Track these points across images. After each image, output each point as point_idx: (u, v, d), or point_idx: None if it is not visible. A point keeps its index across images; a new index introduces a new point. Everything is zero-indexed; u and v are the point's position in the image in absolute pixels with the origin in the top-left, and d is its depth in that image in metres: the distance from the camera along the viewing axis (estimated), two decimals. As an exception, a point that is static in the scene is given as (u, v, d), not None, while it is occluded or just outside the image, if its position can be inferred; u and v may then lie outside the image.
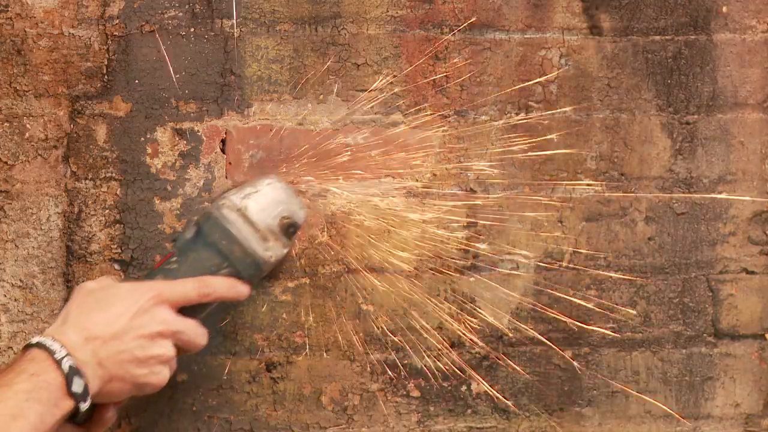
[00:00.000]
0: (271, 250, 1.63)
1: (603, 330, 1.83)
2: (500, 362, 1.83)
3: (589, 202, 1.83)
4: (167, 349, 1.54)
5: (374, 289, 1.79)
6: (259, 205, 1.63)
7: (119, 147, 1.74)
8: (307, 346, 1.79)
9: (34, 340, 1.49)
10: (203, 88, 1.76)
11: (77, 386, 1.46)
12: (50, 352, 1.47)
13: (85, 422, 1.52)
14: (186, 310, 1.57)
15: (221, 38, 1.76)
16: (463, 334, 1.82)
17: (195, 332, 1.57)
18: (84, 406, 1.47)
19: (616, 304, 1.85)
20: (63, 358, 1.46)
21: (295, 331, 1.79)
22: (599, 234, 1.84)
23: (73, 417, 1.48)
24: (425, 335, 1.81)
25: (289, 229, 1.64)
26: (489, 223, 1.80)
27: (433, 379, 1.82)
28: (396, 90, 1.79)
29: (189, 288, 1.57)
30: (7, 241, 1.73)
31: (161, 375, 1.54)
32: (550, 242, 1.83)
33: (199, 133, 1.76)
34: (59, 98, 1.73)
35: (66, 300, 1.65)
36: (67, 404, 1.46)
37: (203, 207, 1.71)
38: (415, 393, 1.82)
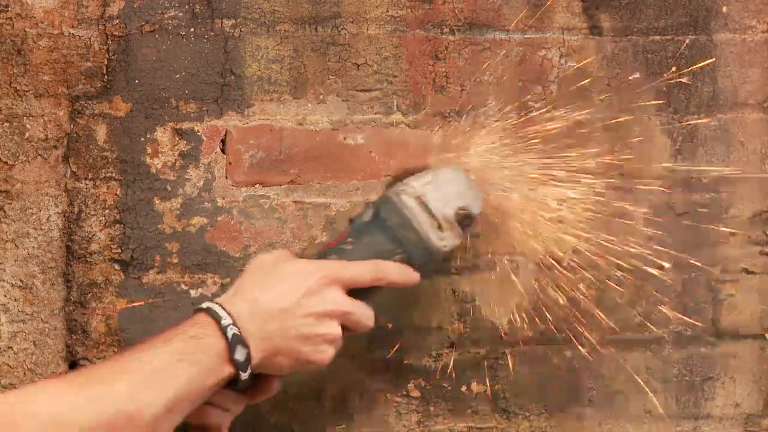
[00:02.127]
0: (445, 240, 1.62)
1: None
2: (500, 362, 1.83)
3: (590, 202, 1.83)
4: (334, 328, 1.54)
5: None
6: (438, 193, 1.62)
7: (119, 147, 1.74)
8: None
9: (204, 305, 1.50)
10: (203, 88, 1.76)
11: (240, 355, 1.48)
12: (216, 319, 1.48)
13: (246, 390, 1.54)
14: (354, 291, 1.57)
15: (221, 38, 1.76)
16: (463, 334, 1.82)
17: (364, 314, 1.57)
18: (244, 375, 1.49)
19: (616, 304, 1.85)
20: (228, 325, 1.47)
21: (295, 331, 1.79)
22: (600, 234, 1.84)
23: (232, 385, 1.50)
24: (425, 335, 1.81)
25: (464, 220, 1.63)
26: (489, 223, 1.80)
27: (433, 379, 1.82)
28: (396, 90, 1.79)
29: (363, 271, 1.57)
30: (7, 241, 1.73)
31: (326, 354, 1.54)
32: (550, 242, 1.83)
33: (199, 133, 1.76)
34: (59, 98, 1.73)
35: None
36: (227, 370, 1.48)
37: (383, 192, 1.70)
38: (415, 393, 1.82)
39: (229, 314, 1.49)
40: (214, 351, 1.47)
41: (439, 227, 1.61)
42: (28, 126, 1.72)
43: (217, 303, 1.51)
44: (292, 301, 1.52)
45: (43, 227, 1.73)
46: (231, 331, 1.48)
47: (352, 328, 1.57)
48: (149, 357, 1.44)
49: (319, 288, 1.53)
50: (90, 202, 1.74)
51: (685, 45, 1.85)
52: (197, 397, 1.47)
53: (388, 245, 1.60)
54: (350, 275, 1.56)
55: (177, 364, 1.44)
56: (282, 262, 1.56)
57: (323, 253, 1.62)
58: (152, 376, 1.42)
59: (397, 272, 1.59)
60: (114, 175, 1.75)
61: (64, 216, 1.74)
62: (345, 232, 1.63)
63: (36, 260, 1.73)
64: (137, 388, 1.41)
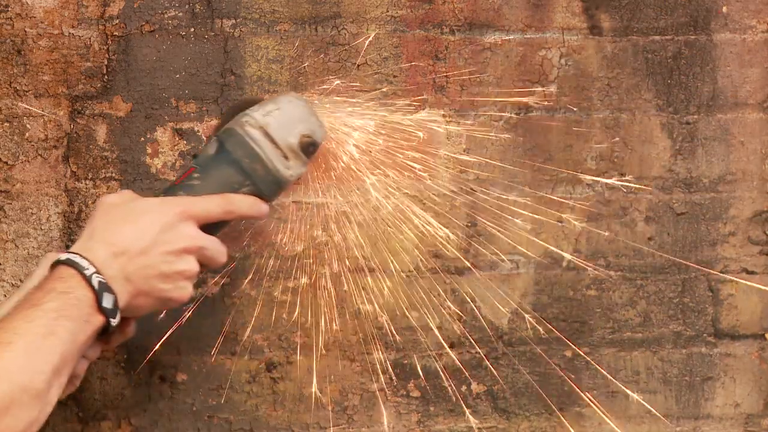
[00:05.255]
0: (291, 169, 1.61)
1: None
2: (500, 362, 1.83)
3: (589, 202, 1.83)
4: (192, 264, 1.53)
5: (374, 289, 1.79)
6: (281, 122, 1.60)
7: (119, 147, 1.74)
8: (307, 346, 1.79)
9: (63, 256, 1.48)
10: (203, 88, 1.76)
11: (107, 302, 1.46)
12: (79, 269, 1.46)
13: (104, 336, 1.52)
14: (205, 226, 1.56)
15: (221, 38, 1.76)
16: (463, 334, 1.82)
17: (218, 249, 1.56)
18: (114, 321, 1.47)
19: (617, 304, 1.85)
20: (92, 274, 1.46)
21: (295, 331, 1.79)
22: (599, 234, 1.84)
23: (101, 333, 1.48)
24: (425, 335, 1.81)
25: (309, 148, 1.61)
26: (489, 223, 1.80)
27: (433, 379, 1.82)
28: (396, 90, 1.79)
29: (214, 205, 1.55)
30: (7, 241, 1.73)
31: (185, 290, 1.53)
32: (550, 242, 1.83)
33: (199, 133, 1.76)
34: (59, 98, 1.73)
35: None
36: (98, 320, 1.46)
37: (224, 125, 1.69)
38: (415, 393, 1.82)
39: (91, 263, 1.46)
40: (85, 302, 1.45)
41: (285, 156, 1.59)
42: (28, 126, 1.72)
43: (76, 253, 1.48)
44: (150, 240, 1.50)
45: (43, 227, 1.73)
46: (96, 280, 1.46)
47: (206, 264, 1.56)
48: (26, 323, 1.41)
49: (174, 224, 1.52)
50: (90, 202, 1.74)
51: (685, 45, 1.85)
52: (78, 352, 1.45)
53: (236, 178, 1.58)
54: (202, 210, 1.54)
55: (55, 324, 1.42)
56: (131, 200, 1.54)
57: (170, 190, 1.59)
58: (36, 341, 1.40)
59: (247, 205, 1.58)
60: (114, 175, 1.75)
61: (64, 216, 1.74)
62: (191, 167, 1.60)
63: (36, 260, 1.73)
64: (25, 358, 1.39)
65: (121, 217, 1.51)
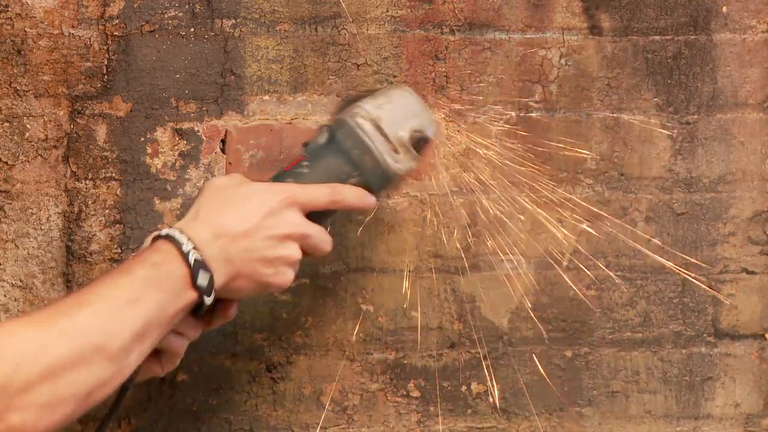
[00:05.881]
0: (400, 163, 1.60)
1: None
2: (500, 362, 1.83)
3: (589, 202, 1.83)
4: (294, 251, 1.53)
5: (374, 289, 1.79)
6: (393, 115, 1.59)
7: (119, 147, 1.74)
8: (307, 346, 1.79)
9: (163, 232, 1.48)
10: (203, 88, 1.76)
11: (202, 279, 1.46)
12: (177, 245, 1.46)
13: (203, 316, 1.52)
14: (311, 214, 1.56)
15: (221, 38, 1.76)
16: (463, 334, 1.82)
17: (322, 237, 1.56)
18: (208, 300, 1.47)
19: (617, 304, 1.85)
20: (190, 251, 1.46)
21: (295, 331, 1.79)
22: (599, 234, 1.84)
23: (195, 311, 1.48)
24: (425, 335, 1.81)
25: (419, 143, 1.60)
26: (489, 223, 1.80)
27: (433, 379, 1.82)
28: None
29: (321, 194, 1.55)
30: (7, 241, 1.73)
31: (286, 276, 1.53)
32: (550, 242, 1.83)
33: (199, 133, 1.76)
34: (59, 98, 1.73)
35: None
36: (191, 296, 1.45)
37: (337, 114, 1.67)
38: (415, 393, 1.82)
39: (190, 239, 1.46)
40: (178, 277, 1.44)
41: (395, 150, 1.59)
42: (28, 126, 1.72)
43: (177, 228, 1.48)
44: (253, 224, 1.50)
45: (43, 227, 1.74)
46: (193, 257, 1.45)
47: (309, 252, 1.55)
48: (112, 288, 1.41)
49: (279, 210, 1.51)
50: (90, 202, 1.74)
51: (685, 45, 1.85)
52: (165, 324, 1.44)
53: (344, 168, 1.58)
54: (308, 198, 1.54)
55: (143, 292, 1.42)
56: (239, 184, 1.54)
57: (279, 176, 1.59)
58: (118, 305, 1.40)
59: (353, 195, 1.58)
60: (114, 175, 1.75)
61: (64, 216, 1.74)
62: (300, 155, 1.60)
63: (36, 260, 1.73)
64: (103, 319, 1.39)
65: (227, 199, 1.52)
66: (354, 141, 1.58)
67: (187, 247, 1.46)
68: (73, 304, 1.40)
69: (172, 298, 1.44)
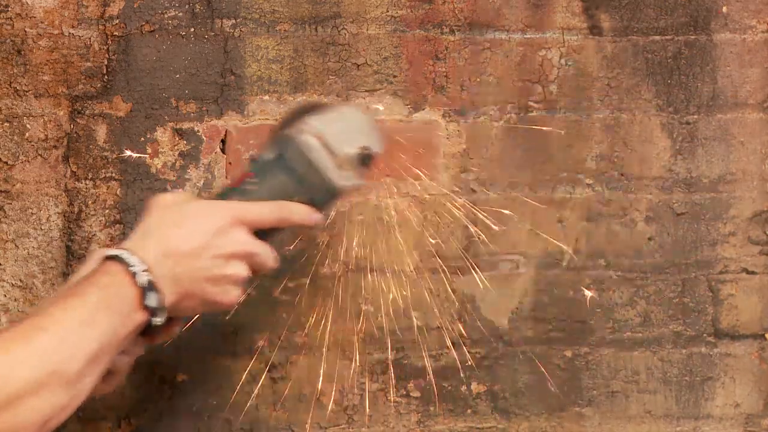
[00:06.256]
0: (346, 180, 1.60)
1: None
2: (500, 362, 1.83)
3: (589, 202, 1.84)
4: (241, 269, 1.53)
5: (374, 289, 1.79)
6: (339, 132, 1.59)
7: (119, 147, 1.74)
8: (307, 346, 1.79)
9: (111, 252, 1.47)
10: (203, 88, 1.76)
11: (152, 301, 1.46)
12: (126, 265, 1.45)
13: (148, 333, 1.51)
14: (257, 232, 1.56)
15: (221, 38, 1.76)
16: (463, 334, 1.82)
17: (268, 255, 1.56)
18: (158, 320, 1.47)
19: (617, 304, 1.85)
20: (140, 272, 1.45)
21: (295, 331, 1.79)
22: (599, 234, 1.84)
23: (143, 332, 1.48)
24: (425, 335, 1.81)
25: (365, 160, 1.61)
26: (489, 223, 1.80)
27: (433, 379, 1.82)
28: (396, 90, 1.79)
29: (268, 211, 1.55)
30: (7, 241, 1.73)
31: (232, 294, 1.53)
32: (550, 242, 1.83)
33: (199, 133, 1.76)
34: (59, 98, 1.73)
35: None
36: (141, 317, 1.45)
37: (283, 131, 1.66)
38: (415, 393, 1.82)
39: (141, 260, 1.46)
40: (129, 298, 1.44)
41: (341, 167, 1.59)
42: (28, 126, 1.72)
43: (125, 249, 1.48)
44: (201, 242, 1.50)
45: (43, 227, 1.74)
46: (144, 278, 1.45)
47: (256, 269, 1.56)
48: (65, 311, 1.41)
49: (227, 229, 1.51)
50: (90, 202, 1.74)
51: (685, 45, 1.85)
52: (117, 345, 1.44)
53: (292, 185, 1.58)
54: (255, 216, 1.54)
55: (95, 314, 1.41)
56: (186, 202, 1.54)
57: (226, 194, 1.59)
58: (72, 328, 1.40)
59: (300, 213, 1.58)
60: (114, 175, 1.75)
61: (64, 216, 1.74)
62: (248, 172, 1.60)
63: (36, 260, 1.73)
64: (60, 344, 1.38)
65: (174, 217, 1.51)
66: (301, 159, 1.58)
67: (136, 268, 1.45)
68: (29, 329, 1.38)
69: (122, 319, 1.44)
